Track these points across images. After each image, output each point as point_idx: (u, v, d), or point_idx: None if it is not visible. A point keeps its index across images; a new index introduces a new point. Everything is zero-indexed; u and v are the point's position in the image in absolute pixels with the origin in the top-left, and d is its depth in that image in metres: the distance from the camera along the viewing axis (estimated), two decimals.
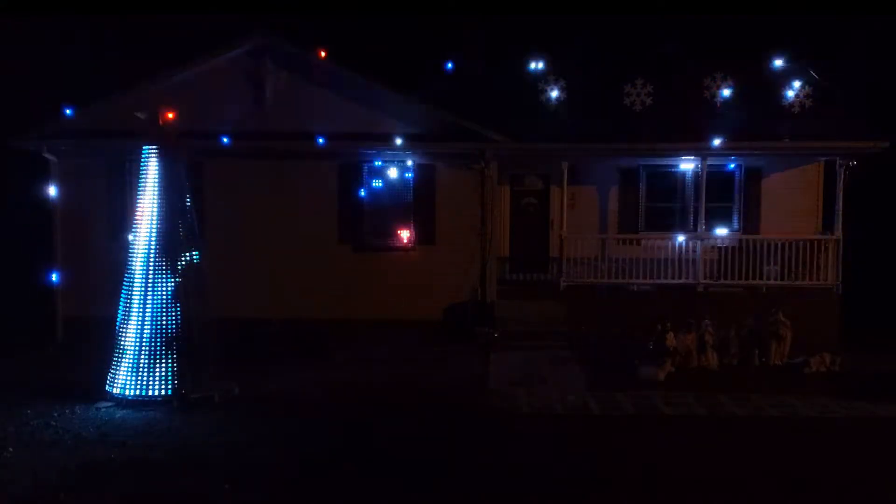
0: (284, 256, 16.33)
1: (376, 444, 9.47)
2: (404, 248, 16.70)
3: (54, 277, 16.43)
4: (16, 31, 21.89)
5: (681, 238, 16.79)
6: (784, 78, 17.33)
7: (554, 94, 17.58)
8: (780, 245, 16.44)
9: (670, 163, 17.48)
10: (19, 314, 16.71)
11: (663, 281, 16.54)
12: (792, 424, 10.60)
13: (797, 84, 17.19)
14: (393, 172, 16.73)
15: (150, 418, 10.48)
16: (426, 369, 13.63)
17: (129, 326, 11.15)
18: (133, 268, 11.26)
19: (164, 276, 11.17)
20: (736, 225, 17.68)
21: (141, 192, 11.37)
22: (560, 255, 16.86)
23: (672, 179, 17.80)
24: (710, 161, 16.64)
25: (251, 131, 16.15)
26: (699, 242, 16.64)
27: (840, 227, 16.39)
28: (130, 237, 11.48)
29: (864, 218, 17.55)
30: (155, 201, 11.27)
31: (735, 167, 17.56)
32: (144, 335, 11.05)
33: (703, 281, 16.58)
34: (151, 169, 11.32)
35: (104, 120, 15.85)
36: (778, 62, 17.60)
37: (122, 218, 14.73)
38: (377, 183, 16.79)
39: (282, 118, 16.18)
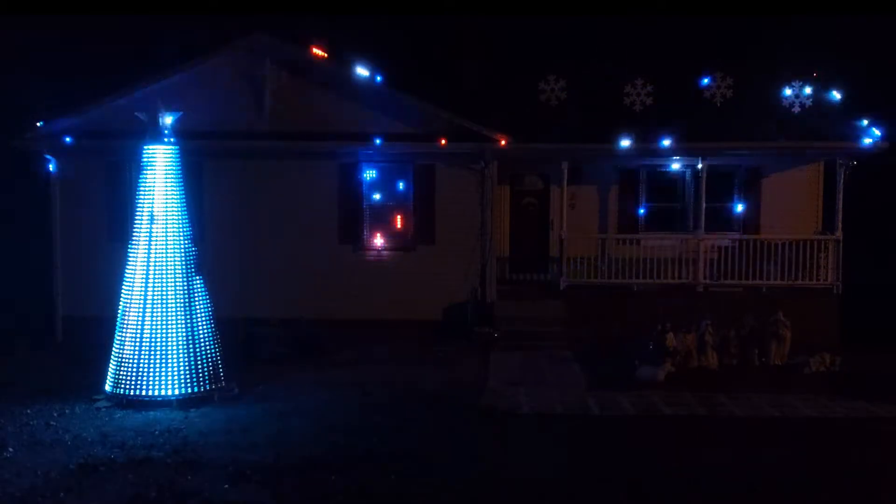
0: (284, 257, 16.33)
1: (376, 444, 9.46)
2: (404, 248, 16.70)
3: (54, 277, 16.43)
4: (16, 30, 21.89)
5: (681, 238, 16.79)
6: (784, 78, 17.33)
7: (554, 94, 17.57)
8: (780, 245, 16.43)
9: (670, 163, 17.48)
10: (19, 314, 16.71)
11: (663, 281, 16.53)
12: (792, 424, 10.60)
13: (797, 84, 17.18)
14: (393, 172, 16.72)
15: (149, 418, 10.48)
16: (426, 369, 13.63)
17: (128, 326, 11.14)
18: (133, 267, 11.25)
19: (163, 275, 11.16)
20: (736, 225, 17.66)
21: (141, 192, 11.36)
22: (560, 255, 16.85)
23: (672, 179, 17.79)
24: (710, 161, 16.62)
25: (251, 131, 16.16)
26: (699, 242, 16.63)
27: (840, 227, 16.39)
28: (133, 236, 11.46)
29: (864, 218, 17.54)
30: (155, 201, 11.26)
31: (735, 167, 17.55)
32: (144, 335, 11.05)
33: (703, 281, 16.57)
34: (150, 168, 11.31)
35: (104, 120, 15.85)
36: (778, 62, 17.61)
37: (122, 218, 14.71)
38: (377, 183, 16.79)
39: (281, 118, 16.18)
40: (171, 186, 11.33)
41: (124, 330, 11.19)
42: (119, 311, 11.33)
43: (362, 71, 16.27)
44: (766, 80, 17.37)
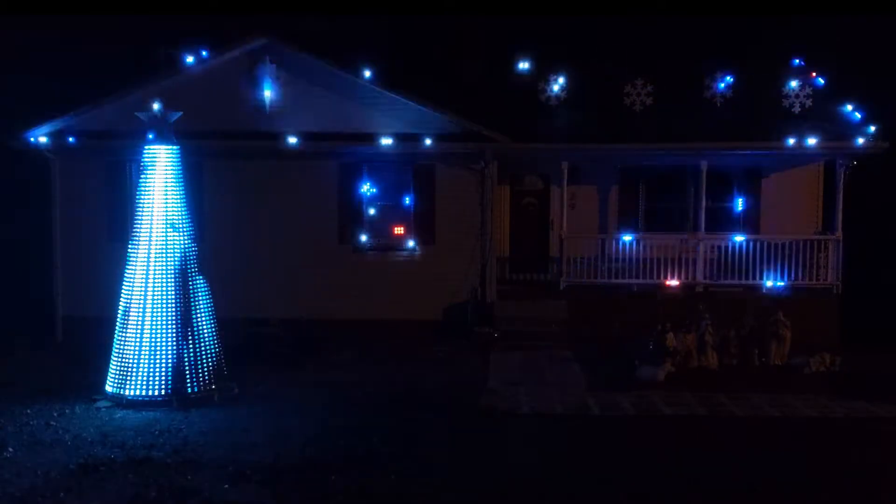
0: (284, 256, 16.33)
1: (375, 444, 9.47)
2: (404, 249, 16.70)
3: (54, 277, 16.42)
4: (17, 30, 21.90)
5: (681, 238, 16.79)
6: (784, 78, 17.34)
7: (554, 94, 17.57)
8: (780, 245, 16.44)
9: (670, 163, 17.45)
10: (19, 314, 16.71)
11: (663, 281, 16.53)
12: (792, 424, 10.60)
13: (797, 84, 17.19)
14: (393, 172, 16.72)
15: (149, 418, 10.48)
16: (426, 369, 13.63)
17: (128, 326, 11.14)
18: (133, 267, 11.26)
19: (163, 275, 11.17)
20: (736, 225, 17.65)
21: (141, 192, 11.37)
22: (560, 255, 16.86)
23: (672, 179, 17.79)
24: (710, 161, 16.62)
25: (251, 131, 16.16)
26: (699, 242, 16.64)
27: (840, 227, 16.39)
28: (133, 236, 11.46)
29: (864, 218, 17.55)
30: (155, 201, 11.26)
31: (735, 167, 17.54)
32: (144, 335, 11.05)
33: (703, 281, 16.58)
34: (150, 168, 11.31)
35: (104, 120, 15.86)
36: (778, 62, 17.63)
37: (122, 218, 14.73)
38: (377, 183, 16.79)
39: (281, 118, 16.18)
40: (172, 186, 11.34)
41: (124, 330, 11.19)
42: (119, 311, 11.33)
43: (362, 71, 16.26)
44: (767, 80, 17.38)
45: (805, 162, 17.41)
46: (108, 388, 11.22)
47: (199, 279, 11.49)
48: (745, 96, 17.32)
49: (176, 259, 11.23)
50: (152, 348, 11.04)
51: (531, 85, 17.64)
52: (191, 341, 11.20)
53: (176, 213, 11.31)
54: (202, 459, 8.89)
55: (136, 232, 11.29)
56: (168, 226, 11.20)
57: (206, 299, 11.56)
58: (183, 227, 11.35)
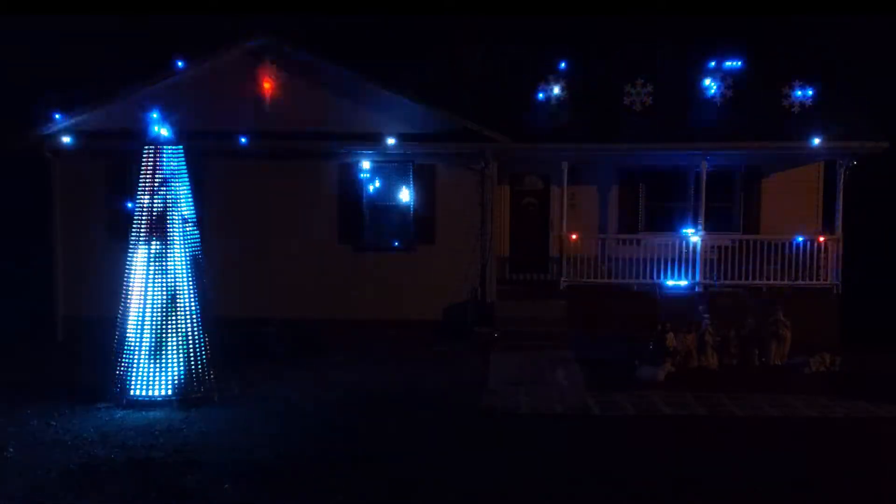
0: (284, 256, 16.34)
1: (375, 445, 9.48)
2: (404, 249, 16.69)
3: (54, 277, 16.42)
4: (16, 30, 21.89)
5: (681, 238, 16.79)
6: (784, 78, 17.32)
7: (554, 93, 17.56)
8: (780, 245, 16.45)
9: (670, 163, 17.46)
10: (19, 314, 16.70)
11: (663, 281, 16.53)
12: (792, 424, 10.61)
13: (797, 84, 17.18)
14: (393, 172, 16.72)
15: (149, 418, 10.49)
16: (426, 369, 13.63)
17: (128, 326, 11.14)
18: (133, 267, 11.25)
19: (163, 275, 11.16)
20: (736, 225, 17.66)
21: (141, 192, 11.37)
22: (560, 255, 16.87)
23: (672, 179, 17.78)
24: (710, 161, 16.63)
25: (251, 131, 16.15)
26: (699, 242, 16.64)
27: (840, 227, 16.40)
28: (133, 236, 11.45)
29: (864, 218, 17.54)
30: (155, 201, 11.26)
31: (735, 167, 17.54)
32: (144, 335, 11.05)
33: (703, 281, 16.58)
34: (151, 168, 11.31)
35: (105, 120, 15.88)
36: (778, 62, 17.62)
37: (123, 218, 14.69)
38: (377, 183, 16.77)
39: (282, 118, 16.17)
40: (173, 186, 11.34)
41: (125, 330, 11.18)
42: (119, 312, 11.33)
43: (362, 71, 16.24)
44: (766, 80, 17.37)
45: (805, 162, 17.41)
46: (109, 388, 11.21)
47: (199, 279, 11.48)
48: (745, 96, 17.32)
49: (176, 258, 11.23)
50: (153, 348, 11.03)
51: (531, 85, 17.62)
52: (191, 341, 11.20)
53: (176, 213, 11.31)
54: (202, 459, 8.90)
55: (137, 232, 11.29)
56: (165, 226, 11.19)
57: (206, 299, 11.55)
58: (182, 227, 11.34)
